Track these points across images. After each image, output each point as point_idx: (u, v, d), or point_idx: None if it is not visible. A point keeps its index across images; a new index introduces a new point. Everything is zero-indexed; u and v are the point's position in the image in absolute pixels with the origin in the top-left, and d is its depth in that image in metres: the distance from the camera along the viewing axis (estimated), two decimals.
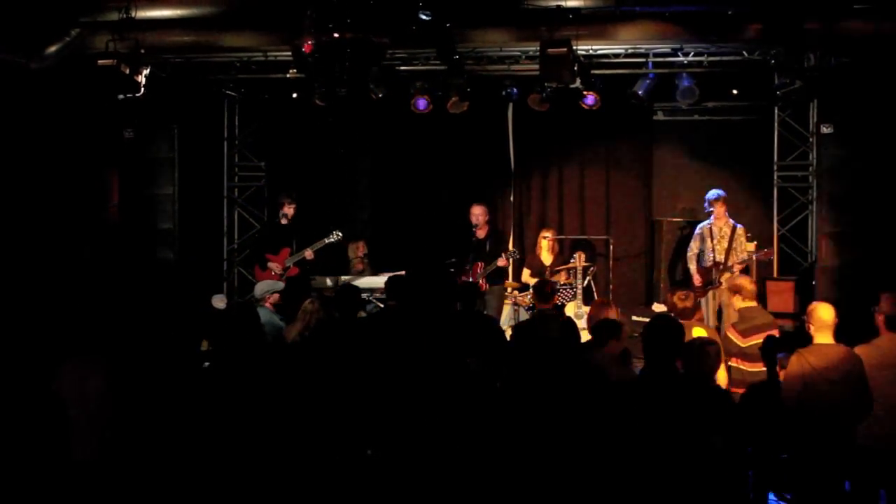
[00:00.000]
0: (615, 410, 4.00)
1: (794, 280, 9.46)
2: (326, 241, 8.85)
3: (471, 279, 8.56)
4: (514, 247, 10.30)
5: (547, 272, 9.44)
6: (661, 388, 3.96)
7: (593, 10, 7.86)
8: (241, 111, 11.30)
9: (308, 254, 8.84)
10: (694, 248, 9.11)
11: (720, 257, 8.78)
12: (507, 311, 9.28)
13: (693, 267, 9.07)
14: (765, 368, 5.83)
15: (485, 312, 8.48)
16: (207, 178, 11.09)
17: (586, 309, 8.18)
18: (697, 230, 9.05)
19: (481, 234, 8.92)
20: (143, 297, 7.54)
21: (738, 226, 8.97)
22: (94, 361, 4.62)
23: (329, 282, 9.14)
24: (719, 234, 8.87)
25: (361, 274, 9.62)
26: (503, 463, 4.08)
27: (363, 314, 8.22)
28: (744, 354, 5.93)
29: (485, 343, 5.73)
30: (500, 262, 8.89)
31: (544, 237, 9.74)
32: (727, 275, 8.62)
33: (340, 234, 8.99)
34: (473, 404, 4.56)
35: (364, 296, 8.34)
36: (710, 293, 8.87)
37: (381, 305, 9.13)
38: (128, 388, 4.46)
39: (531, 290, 7.83)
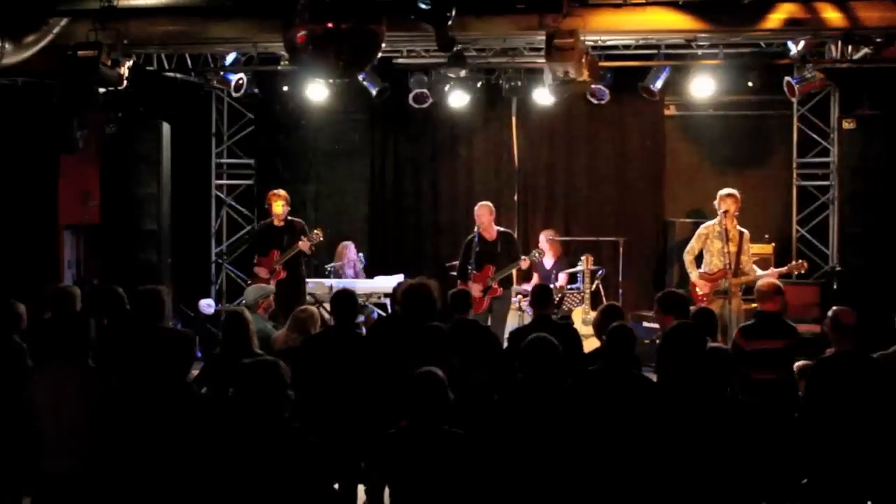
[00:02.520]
0: (629, 420, 3.99)
1: (814, 284, 9.42)
2: (311, 241, 8.78)
3: (478, 284, 8.50)
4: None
5: (552, 275, 9.41)
6: (677, 397, 3.96)
7: None
8: (229, 105, 11.29)
9: (304, 245, 8.73)
10: (695, 247, 8.48)
11: (731, 263, 8.45)
12: (512, 316, 9.24)
13: (694, 273, 8.43)
14: (774, 377, 5.84)
15: (489, 320, 8.48)
16: (194, 177, 11.08)
17: (594, 314, 8.14)
18: (701, 229, 8.52)
19: (489, 235, 8.83)
20: (126, 302, 7.48)
21: (744, 231, 8.69)
22: (70, 368, 4.59)
23: (326, 285, 9.09)
24: (729, 237, 8.33)
25: (355, 277, 9.59)
26: (502, 475, 4.07)
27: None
28: (749, 360, 5.87)
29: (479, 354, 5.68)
30: (524, 263, 8.81)
31: (549, 239, 9.70)
32: (736, 280, 8.35)
33: (321, 234, 8.91)
34: (472, 415, 4.57)
35: (360, 301, 8.29)
36: (721, 304, 8.24)
37: (379, 311, 9.12)
38: (106, 397, 4.43)
39: (530, 294, 7.75)
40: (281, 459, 3.65)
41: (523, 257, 8.79)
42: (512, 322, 9.10)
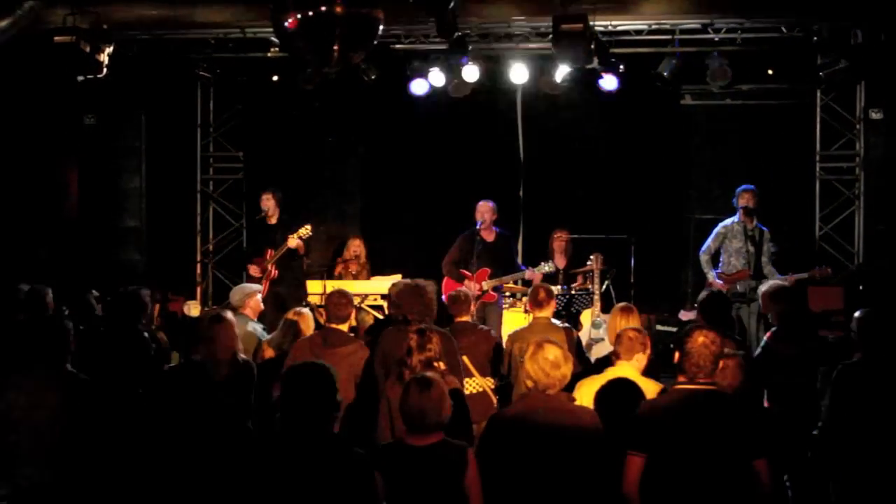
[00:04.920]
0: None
1: (839, 285, 9.39)
2: (299, 235, 8.78)
3: (475, 288, 8.49)
4: (522, 247, 10.29)
5: (560, 276, 9.40)
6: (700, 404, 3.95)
7: None
8: (216, 95, 11.27)
9: (293, 242, 8.74)
10: (712, 247, 8.68)
11: (751, 263, 8.46)
12: (519, 317, 9.22)
13: (710, 273, 8.62)
14: (803, 381, 5.84)
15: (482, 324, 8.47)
16: (178, 170, 11.07)
17: (605, 317, 8.14)
18: (719, 227, 8.71)
19: (488, 236, 8.80)
20: (105, 304, 7.53)
21: (765, 229, 8.70)
22: (46, 374, 4.56)
23: (319, 286, 9.10)
24: (749, 237, 8.52)
25: (356, 276, 9.58)
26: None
27: (354, 322, 8.20)
28: (781, 365, 5.88)
29: None
30: (528, 274, 8.80)
31: (557, 237, 9.69)
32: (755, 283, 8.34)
33: (309, 227, 8.91)
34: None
35: (356, 302, 8.28)
36: (737, 306, 8.37)
37: (375, 313, 9.12)
38: (84, 404, 4.42)
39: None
40: (327, 473, 3.59)
41: (530, 268, 8.77)
42: (516, 323, 9.10)
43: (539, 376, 4.18)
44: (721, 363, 4.16)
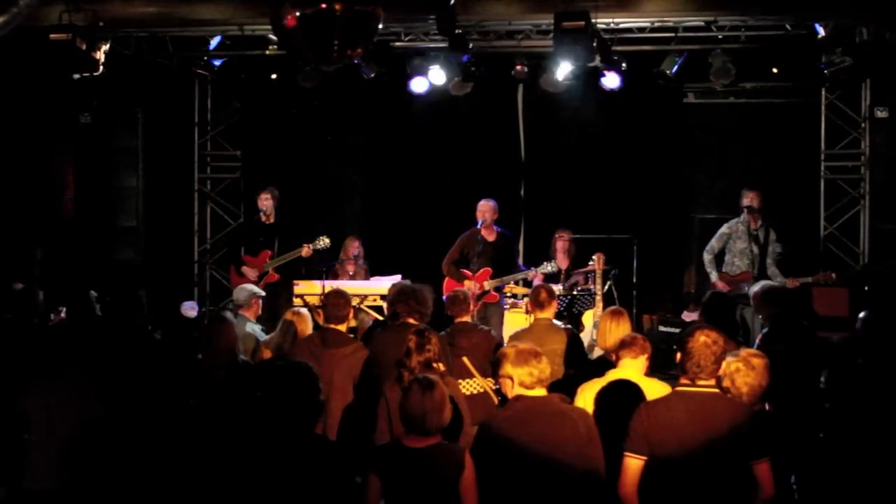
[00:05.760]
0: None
1: (844, 286, 9.39)
2: (315, 247, 8.81)
3: (477, 288, 8.49)
4: (523, 247, 10.29)
5: (562, 277, 9.40)
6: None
7: None
8: (213, 93, 11.28)
9: (307, 252, 8.77)
10: (715, 247, 8.71)
11: (755, 264, 8.47)
12: (520, 318, 9.22)
13: (713, 273, 8.67)
14: (800, 384, 5.84)
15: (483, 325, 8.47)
16: (176, 170, 11.07)
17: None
18: (724, 228, 8.74)
19: (489, 235, 8.80)
20: (102, 305, 7.53)
21: (772, 229, 8.73)
22: (72, 379, 4.55)
23: (318, 287, 9.10)
24: (753, 237, 8.55)
25: (353, 277, 9.58)
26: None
27: (354, 323, 8.19)
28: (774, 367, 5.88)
29: None
30: (530, 275, 8.80)
31: (559, 237, 9.69)
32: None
33: (328, 240, 8.94)
34: None
35: (356, 303, 8.28)
36: (741, 308, 8.27)
37: (375, 314, 9.11)
38: (99, 409, 4.41)
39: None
40: (306, 472, 3.60)
41: (533, 269, 8.77)
42: (517, 323, 9.09)
43: (524, 377, 4.17)
44: (752, 362, 4.20)
